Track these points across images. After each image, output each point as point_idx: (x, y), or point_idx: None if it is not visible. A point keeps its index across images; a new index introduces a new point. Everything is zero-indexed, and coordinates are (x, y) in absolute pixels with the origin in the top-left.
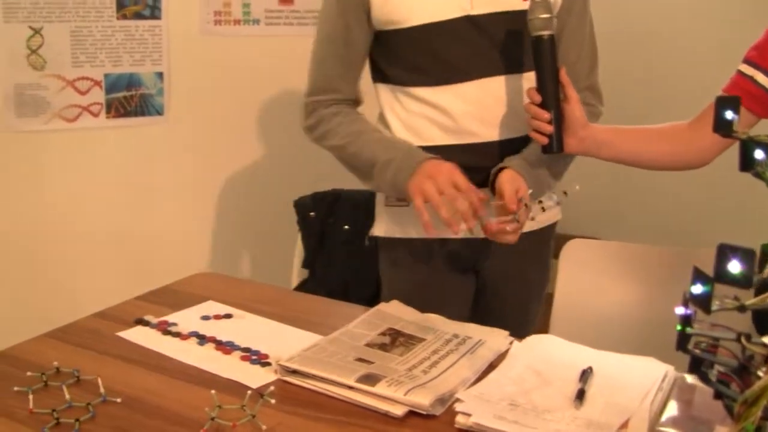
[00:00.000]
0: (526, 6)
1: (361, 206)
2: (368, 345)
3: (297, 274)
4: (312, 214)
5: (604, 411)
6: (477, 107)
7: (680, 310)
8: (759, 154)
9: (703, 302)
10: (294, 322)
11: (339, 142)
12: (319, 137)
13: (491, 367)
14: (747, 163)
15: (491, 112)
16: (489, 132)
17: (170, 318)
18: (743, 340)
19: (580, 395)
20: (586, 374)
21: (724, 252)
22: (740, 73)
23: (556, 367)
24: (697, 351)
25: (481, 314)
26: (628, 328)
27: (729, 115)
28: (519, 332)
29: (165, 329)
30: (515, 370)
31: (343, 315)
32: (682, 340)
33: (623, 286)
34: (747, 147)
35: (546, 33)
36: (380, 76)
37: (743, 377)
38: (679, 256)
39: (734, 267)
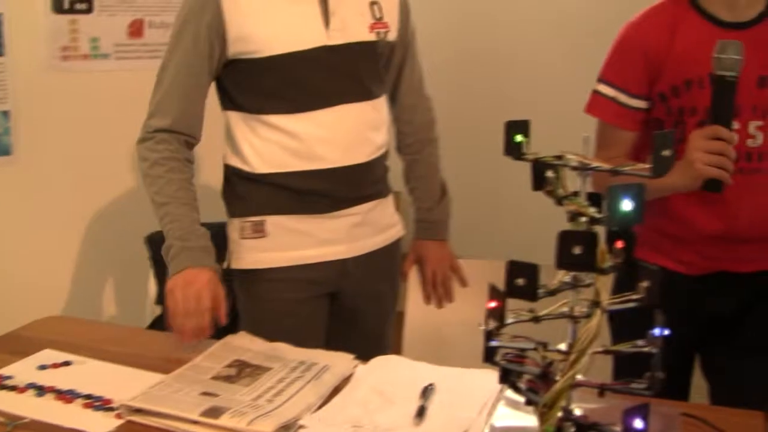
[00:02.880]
0: (374, 37)
1: (214, 238)
2: (214, 378)
3: (150, 311)
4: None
5: (443, 425)
6: (331, 133)
7: (483, 326)
8: (549, 173)
9: (499, 316)
10: (142, 360)
11: (155, 196)
12: (145, 170)
13: (337, 390)
14: (539, 183)
15: (343, 137)
16: (338, 157)
17: (4, 371)
18: (540, 349)
19: (421, 412)
20: (427, 391)
21: (513, 268)
22: (600, 93)
23: (400, 387)
24: (504, 362)
25: (340, 335)
26: (477, 342)
27: (518, 138)
28: (377, 349)
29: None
30: (359, 392)
31: (192, 349)
32: (489, 353)
33: (471, 301)
34: (537, 168)
35: (732, 74)
36: (232, 104)
37: (546, 383)
38: None
39: (520, 281)
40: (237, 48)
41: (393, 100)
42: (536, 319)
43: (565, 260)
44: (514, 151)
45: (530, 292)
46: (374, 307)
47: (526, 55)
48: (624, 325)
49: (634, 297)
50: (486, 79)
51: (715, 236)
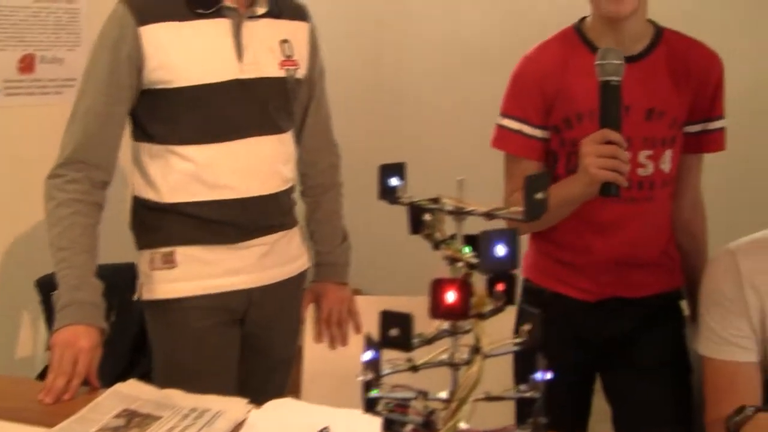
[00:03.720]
0: (283, 74)
1: (109, 280)
2: (101, 430)
3: (42, 358)
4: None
5: None
6: (240, 164)
7: (362, 377)
8: (426, 216)
9: (374, 367)
10: (25, 414)
11: (56, 238)
12: (50, 209)
13: None
14: (416, 227)
15: (252, 169)
16: (247, 188)
17: None
18: (421, 398)
19: None
20: None
21: (386, 318)
22: (504, 127)
23: (294, 431)
24: (385, 412)
25: (246, 361)
26: None
27: (393, 182)
28: (281, 375)
29: None
30: None
31: (80, 399)
32: (370, 404)
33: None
34: (414, 212)
35: (616, 79)
36: (143, 133)
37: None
38: (416, 304)
39: (394, 332)
40: (153, 77)
41: (298, 140)
42: (414, 369)
43: (438, 309)
44: (388, 195)
45: (404, 343)
46: (278, 335)
47: (429, 90)
48: (524, 363)
49: (516, 341)
50: (389, 117)
51: (610, 263)
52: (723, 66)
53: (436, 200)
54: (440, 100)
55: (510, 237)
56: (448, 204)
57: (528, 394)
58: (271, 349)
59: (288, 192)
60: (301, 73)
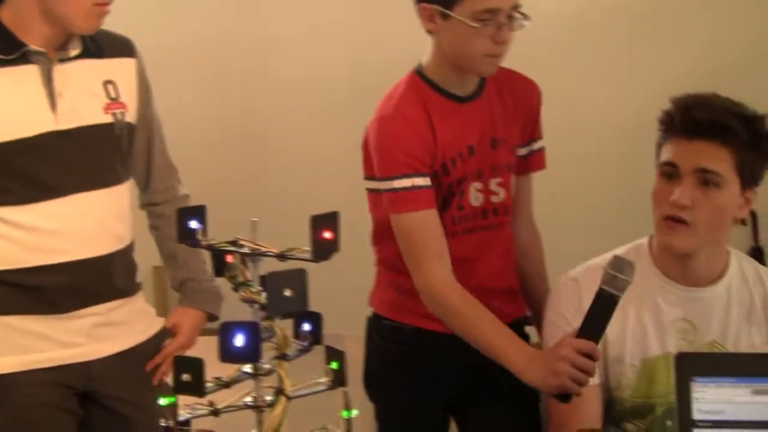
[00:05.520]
0: (109, 119)
1: None
2: None
3: None
4: None
5: None
6: (67, 224)
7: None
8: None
9: (172, 412)
10: None
11: None
12: None
13: None
14: (219, 269)
15: (81, 228)
16: (78, 249)
17: None
18: None
19: None
20: None
21: (178, 363)
22: (404, 189)
23: None
24: None
25: None
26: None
27: (193, 224)
28: None
29: None
30: None
31: None
32: None
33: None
34: (216, 254)
35: (618, 295)
36: None
37: None
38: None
39: (186, 377)
40: None
41: (145, 187)
42: (215, 413)
43: (227, 353)
44: (188, 237)
45: (197, 388)
46: (142, 415)
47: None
48: None
49: (321, 380)
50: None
51: (471, 293)
52: (540, 91)
53: (234, 242)
54: (301, 142)
55: (298, 278)
56: (245, 246)
57: None
58: (134, 426)
59: (126, 252)
60: (130, 116)
